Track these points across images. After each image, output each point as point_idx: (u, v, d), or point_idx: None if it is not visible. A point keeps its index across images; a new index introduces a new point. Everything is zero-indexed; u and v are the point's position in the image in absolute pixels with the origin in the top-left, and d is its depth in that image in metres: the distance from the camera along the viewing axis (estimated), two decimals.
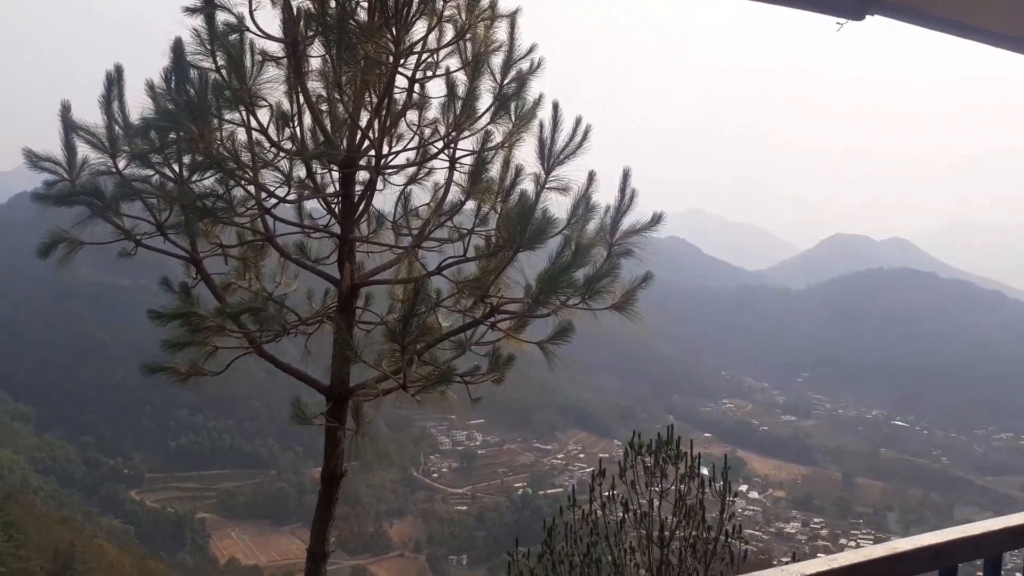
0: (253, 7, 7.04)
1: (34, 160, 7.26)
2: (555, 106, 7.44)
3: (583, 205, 7.64)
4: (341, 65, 7.26)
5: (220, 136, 7.10)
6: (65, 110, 7.20)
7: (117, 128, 7.30)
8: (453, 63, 7.80)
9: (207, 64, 6.91)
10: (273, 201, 7.59)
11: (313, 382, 7.89)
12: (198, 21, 6.86)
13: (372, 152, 7.61)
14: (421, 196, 8.37)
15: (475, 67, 7.62)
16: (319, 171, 7.77)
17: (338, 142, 7.50)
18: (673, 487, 10.49)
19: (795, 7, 3.29)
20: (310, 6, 7.22)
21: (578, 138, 7.45)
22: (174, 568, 71.20)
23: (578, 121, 7.46)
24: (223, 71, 6.94)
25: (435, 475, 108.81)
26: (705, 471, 10.73)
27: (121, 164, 7.33)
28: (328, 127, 7.56)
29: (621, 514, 10.52)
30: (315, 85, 7.56)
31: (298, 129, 7.52)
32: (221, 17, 6.93)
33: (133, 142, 7.27)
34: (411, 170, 8.16)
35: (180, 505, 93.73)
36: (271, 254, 8.26)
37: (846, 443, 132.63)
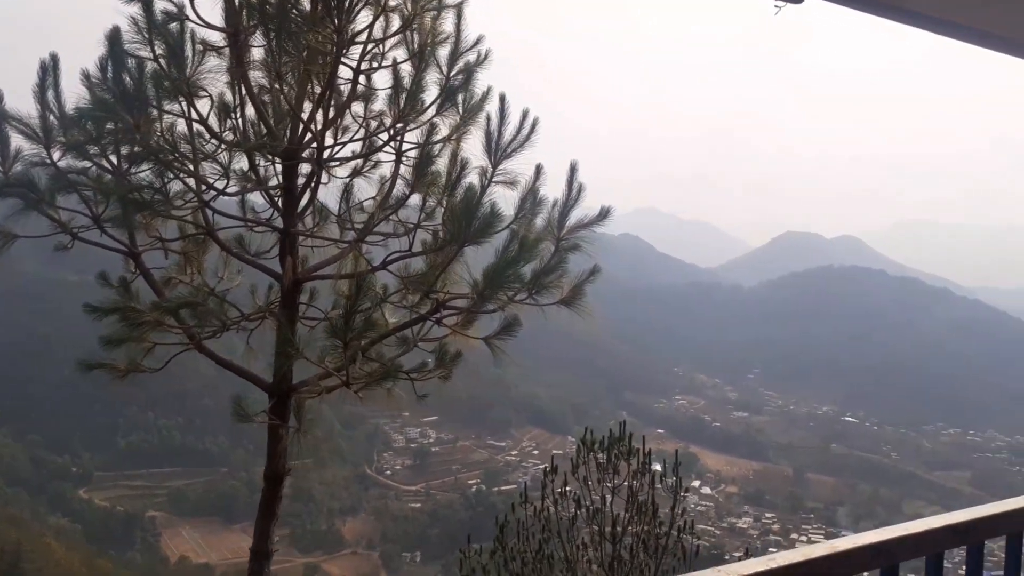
0: None
1: None
2: (502, 99, 7.38)
3: (531, 199, 7.58)
4: (282, 55, 7.13)
5: (160, 127, 6.92)
6: None
7: (52, 118, 7.13)
8: (400, 54, 7.72)
9: (145, 53, 6.71)
10: (213, 194, 7.42)
11: (255, 379, 7.78)
12: (135, 8, 6.66)
13: (315, 144, 7.49)
14: (367, 190, 8.27)
15: (421, 58, 7.53)
16: (261, 163, 7.63)
17: (280, 133, 7.36)
18: (625, 483, 10.48)
19: None
20: None
21: (525, 131, 7.40)
22: (124, 567, 70.43)
23: (525, 114, 7.41)
24: (162, 60, 6.76)
25: (388, 473, 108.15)
26: (657, 467, 10.74)
27: (56, 155, 7.19)
28: (271, 118, 7.43)
29: (574, 510, 10.50)
30: (257, 75, 7.44)
31: (240, 120, 7.38)
32: (160, 5, 6.75)
33: (68, 133, 7.09)
34: (356, 163, 8.06)
35: (130, 503, 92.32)
36: (213, 248, 8.11)
37: (797, 439, 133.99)
